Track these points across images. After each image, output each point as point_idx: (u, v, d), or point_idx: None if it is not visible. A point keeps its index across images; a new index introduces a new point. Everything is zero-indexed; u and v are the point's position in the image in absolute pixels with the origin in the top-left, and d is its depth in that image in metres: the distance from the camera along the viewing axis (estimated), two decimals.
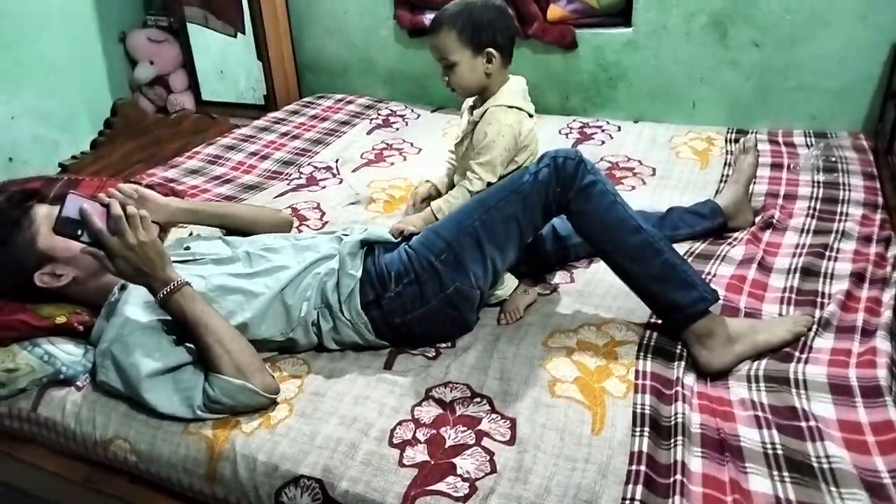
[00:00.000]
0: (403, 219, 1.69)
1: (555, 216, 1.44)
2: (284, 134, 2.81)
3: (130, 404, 1.31)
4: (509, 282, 1.57)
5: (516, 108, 1.63)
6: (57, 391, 1.40)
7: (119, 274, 1.26)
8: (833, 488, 1.06)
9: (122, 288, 1.40)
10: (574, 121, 2.71)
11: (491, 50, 1.57)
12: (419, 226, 1.58)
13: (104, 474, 1.36)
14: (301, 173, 2.47)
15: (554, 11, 2.73)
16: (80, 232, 1.24)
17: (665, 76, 2.69)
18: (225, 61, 3.33)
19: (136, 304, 1.34)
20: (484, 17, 1.56)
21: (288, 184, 2.39)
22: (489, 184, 1.61)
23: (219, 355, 1.26)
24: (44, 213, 1.37)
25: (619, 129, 2.61)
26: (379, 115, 2.98)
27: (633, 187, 2.15)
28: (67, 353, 1.41)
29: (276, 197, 2.27)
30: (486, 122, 1.61)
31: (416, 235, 1.50)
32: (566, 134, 2.60)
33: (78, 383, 1.40)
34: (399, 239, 1.54)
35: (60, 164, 2.45)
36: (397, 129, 2.83)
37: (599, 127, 2.63)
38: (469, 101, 1.76)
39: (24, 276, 1.36)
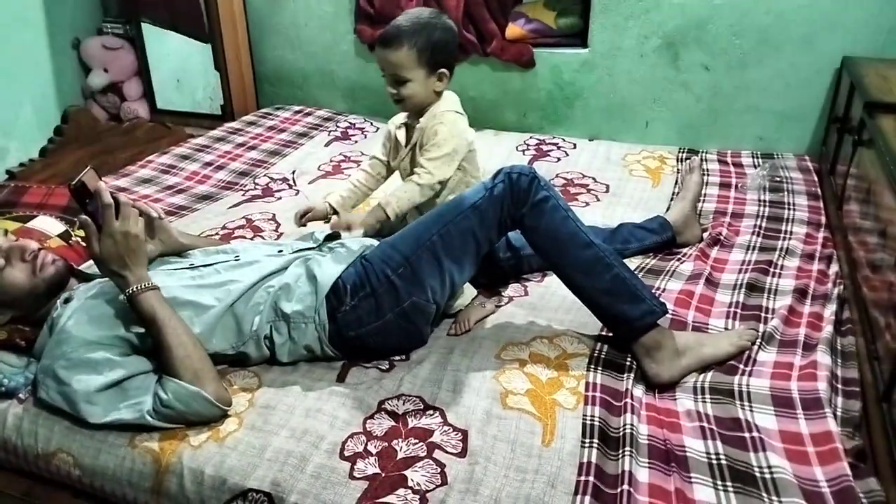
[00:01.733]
0: (347, 215, 1.68)
1: (509, 231, 1.46)
2: (241, 144, 2.79)
3: (74, 418, 1.28)
4: (467, 292, 1.58)
5: (461, 114, 1.66)
6: None
7: (100, 255, 1.27)
8: (774, 497, 1.09)
9: (66, 301, 1.37)
10: (531, 138, 2.75)
11: (444, 70, 1.60)
12: (368, 223, 1.60)
13: (45, 488, 1.33)
14: (257, 184, 2.45)
15: (513, 30, 2.78)
16: (87, 201, 1.26)
17: (619, 96, 2.75)
18: (182, 70, 3.29)
19: (80, 320, 1.31)
20: (442, 38, 1.58)
21: (243, 194, 2.37)
22: (440, 183, 1.62)
23: (179, 358, 1.25)
24: None
25: (575, 146, 2.65)
26: (338, 127, 2.98)
27: (587, 203, 2.19)
28: (8, 366, 1.38)
29: (231, 207, 2.25)
30: (437, 122, 1.62)
31: (359, 234, 1.52)
32: (523, 150, 2.63)
33: (20, 395, 1.36)
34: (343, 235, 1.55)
35: (8, 171, 2.40)
36: (356, 141, 2.83)
37: (555, 144, 2.68)
38: (399, 119, 1.75)
39: None
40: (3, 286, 1.32)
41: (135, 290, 1.27)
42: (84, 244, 1.81)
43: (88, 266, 1.56)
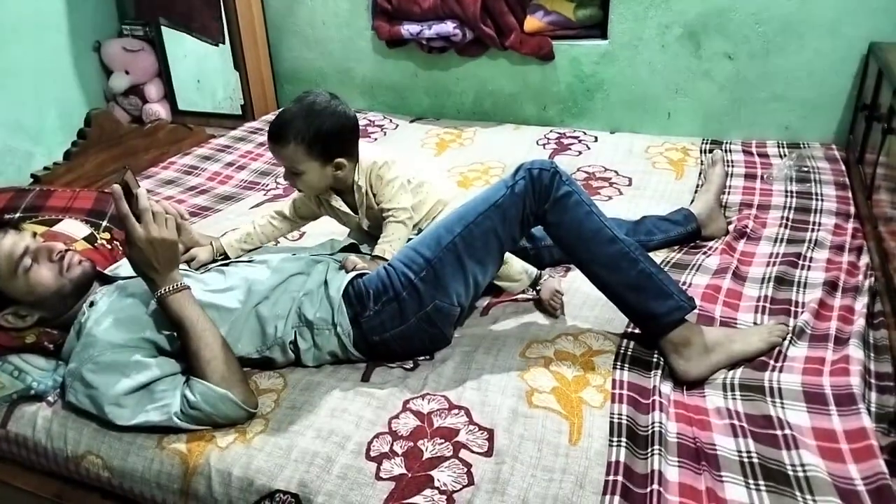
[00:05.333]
0: (356, 259, 1.55)
1: (532, 227, 1.44)
2: (261, 144, 2.80)
3: (103, 421, 1.29)
4: (529, 271, 1.61)
5: (382, 158, 1.59)
6: (28, 407, 1.37)
7: (129, 259, 1.29)
8: (808, 496, 1.07)
9: (91, 305, 1.38)
10: (551, 131, 2.73)
11: (340, 160, 1.51)
12: (371, 268, 1.50)
13: (76, 491, 1.34)
14: (278, 183, 2.46)
15: (531, 23, 2.75)
16: (131, 200, 1.28)
17: (641, 87, 2.71)
18: (202, 71, 3.31)
19: (107, 323, 1.32)
20: (332, 127, 1.47)
21: (264, 194, 2.38)
22: (412, 209, 1.59)
23: (207, 360, 1.25)
24: (5, 251, 1.32)
25: (596, 139, 2.62)
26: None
27: (610, 197, 2.17)
28: (38, 368, 1.39)
29: (252, 207, 2.26)
30: (374, 175, 1.56)
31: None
32: (543, 144, 2.61)
33: (49, 398, 1.38)
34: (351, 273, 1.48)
35: (33, 175, 2.42)
36: (376, 139, 2.83)
37: (576, 137, 2.65)
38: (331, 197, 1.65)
39: None
40: (30, 285, 1.33)
41: (164, 291, 1.27)
42: (109, 247, 1.82)
43: (114, 269, 1.57)
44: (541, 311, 1.57)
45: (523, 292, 1.65)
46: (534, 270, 1.63)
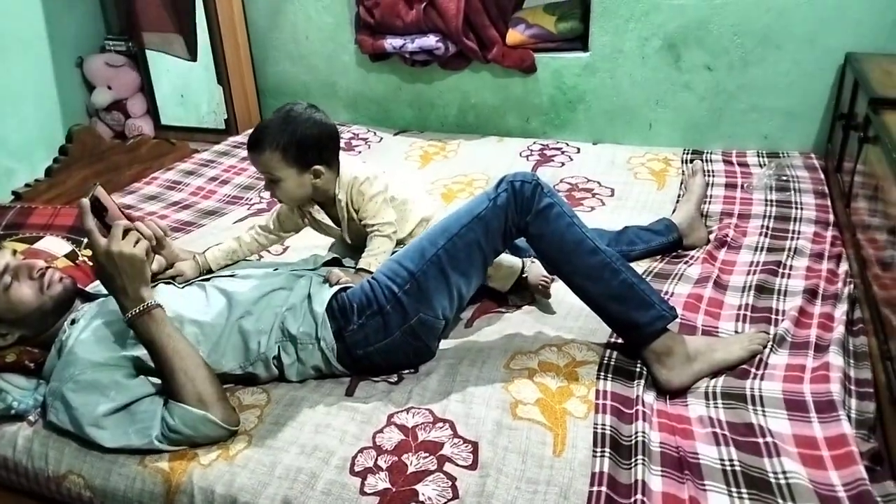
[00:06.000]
0: (340, 272, 1.54)
1: (514, 239, 1.45)
2: (245, 158, 2.79)
3: (84, 440, 1.28)
4: (515, 265, 1.63)
5: (363, 173, 1.60)
6: (8, 427, 1.36)
7: (96, 275, 1.29)
8: (790, 503, 1.08)
9: (73, 322, 1.37)
10: (534, 143, 2.74)
11: (318, 167, 1.51)
12: (355, 283, 1.49)
13: None
14: (261, 198, 2.45)
15: (513, 36, 2.77)
16: (104, 216, 1.30)
17: (622, 99, 2.74)
18: (185, 86, 3.30)
19: (88, 341, 1.31)
20: (309, 134, 1.48)
21: (248, 209, 2.37)
22: (395, 222, 1.60)
23: (182, 383, 1.24)
24: None
25: (579, 150, 2.64)
26: (341, 138, 2.97)
27: (593, 208, 2.18)
28: (18, 388, 1.38)
29: (236, 222, 2.25)
30: (355, 191, 1.57)
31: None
32: (527, 156, 2.63)
33: (30, 418, 1.36)
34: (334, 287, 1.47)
35: (14, 193, 2.40)
36: (360, 152, 2.83)
37: (559, 149, 2.67)
38: (314, 209, 1.66)
39: None
40: (11, 303, 1.32)
41: (131, 314, 1.25)
42: (91, 264, 1.81)
43: (95, 286, 1.56)
44: (532, 295, 1.63)
45: (508, 301, 1.66)
46: (517, 261, 1.63)
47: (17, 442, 1.33)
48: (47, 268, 1.40)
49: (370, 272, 1.51)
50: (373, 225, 1.58)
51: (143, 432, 1.24)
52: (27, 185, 2.42)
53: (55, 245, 1.83)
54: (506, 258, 1.62)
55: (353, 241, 1.67)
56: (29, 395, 1.38)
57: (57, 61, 3.15)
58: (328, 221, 1.65)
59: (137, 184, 2.59)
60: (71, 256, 1.81)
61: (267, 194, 2.46)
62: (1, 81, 2.89)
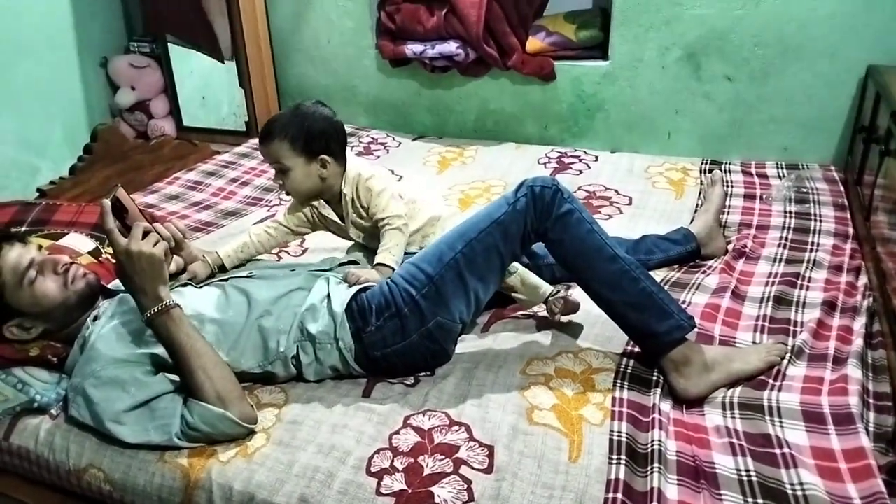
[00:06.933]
0: (358, 271, 1.57)
1: (532, 244, 1.46)
2: (265, 161, 2.81)
3: (105, 435, 1.29)
4: (544, 287, 1.58)
5: (368, 170, 1.64)
6: (30, 419, 1.38)
7: (117, 275, 1.32)
8: None
9: (95, 319, 1.39)
10: (552, 150, 2.75)
11: (325, 157, 1.56)
12: (374, 279, 1.51)
13: (78, 503, 1.34)
14: (281, 200, 2.48)
15: (533, 44, 2.79)
16: (124, 216, 1.33)
17: (641, 107, 2.74)
18: (207, 87, 3.33)
19: (110, 338, 1.33)
20: (316, 126, 1.54)
21: (268, 210, 2.40)
22: (405, 215, 1.61)
23: (201, 381, 1.25)
24: (11, 263, 1.33)
25: (597, 158, 2.65)
26: (360, 142, 3.00)
27: (610, 216, 2.18)
28: (41, 381, 1.40)
29: (256, 223, 2.27)
30: (362, 187, 1.61)
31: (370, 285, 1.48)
32: (545, 163, 2.64)
33: (52, 411, 1.39)
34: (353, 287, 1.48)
35: (39, 190, 2.44)
36: (378, 156, 2.85)
37: (577, 157, 2.67)
38: (321, 205, 1.70)
39: None
40: (35, 297, 1.34)
41: (150, 313, 1.27)
42: (114, 261, 1.84)
43: (118, 283, 1.58)
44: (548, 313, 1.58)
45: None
46: (548, 288, 1.60)
47: (39, 435, 1.35)
48: (72, 263, 1.42)
49: (388, 266, 1.54)
50: (383, 219, 1.60)
51: (162, 429, 1.26)
52: (52, 183, 2.46)
53: (79, 242, 1.86)
54: (537, 279, 1.59)
55: (360, 238, 1.70)
56: (51, 389, 1.40)
57: (82, 62, 3.20)
58: (333, 216, 1.69)
59: (159, 183, 2.62)
60: (95, 253, 1.83)
61: (285, 196, 2.48)
62: (28, 80, 2.93)
